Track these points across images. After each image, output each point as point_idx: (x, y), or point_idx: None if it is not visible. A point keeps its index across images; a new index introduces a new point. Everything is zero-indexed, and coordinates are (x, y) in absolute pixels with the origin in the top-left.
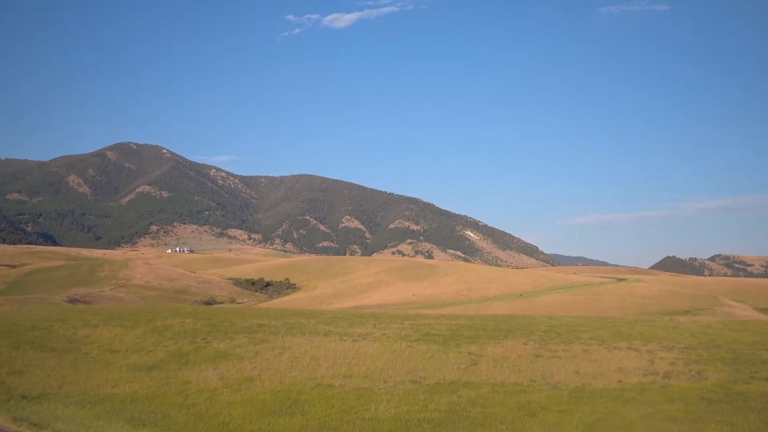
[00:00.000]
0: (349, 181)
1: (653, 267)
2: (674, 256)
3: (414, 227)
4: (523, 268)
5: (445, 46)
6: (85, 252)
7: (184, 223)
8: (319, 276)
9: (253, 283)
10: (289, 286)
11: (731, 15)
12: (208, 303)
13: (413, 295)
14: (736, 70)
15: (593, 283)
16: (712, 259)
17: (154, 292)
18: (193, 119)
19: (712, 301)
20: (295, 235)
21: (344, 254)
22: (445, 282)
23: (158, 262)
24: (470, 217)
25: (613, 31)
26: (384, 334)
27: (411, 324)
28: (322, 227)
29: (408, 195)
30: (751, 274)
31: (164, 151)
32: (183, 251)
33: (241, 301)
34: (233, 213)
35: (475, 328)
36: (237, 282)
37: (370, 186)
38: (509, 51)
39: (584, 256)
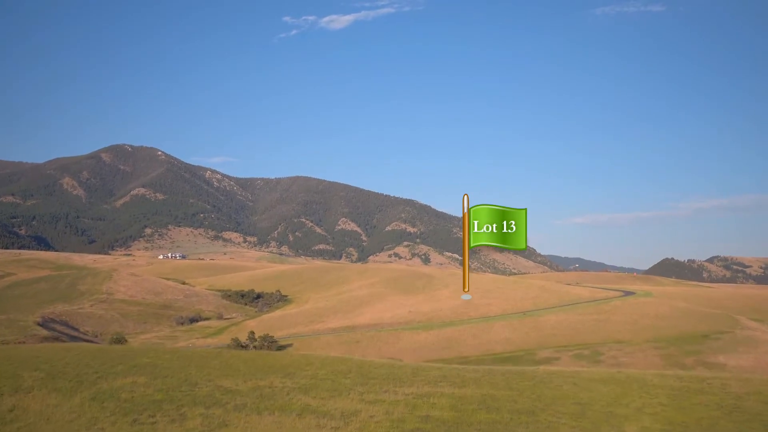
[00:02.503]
0: (345, 183)
1: (651, 269)
2: (672, 258)
3: (411, 229)
4: (521, 273)
5: (442, 47)
6: (75, 258)
7: (179, 226)
8: (312, 287)
9: (242, 296)
10: (280, 299)
11: (727, 15)
12: (193, 320)
13: (410, 312)
14: (732, 70)
15: (600, 299)
16: (710, 260)
17: (137, 307)
18: (189, 121)
19: (730, 323)
20: (291, 238)
21: (340, 257)
22: (443, 295)
23: (146, 271)
24: None
25: (608, 31)
26: (371, 417)
27: (406, 396)
28: (318, 230)
29: (404, 197)
30: (750, 276)
31: (159, 153)
32: (175, 257)
33: (228, 316)
34: (229, 215)
35: (486, 406)
36: (226, 294)
37: (366, 188)
38: (505, 51)
39: (581, 257)
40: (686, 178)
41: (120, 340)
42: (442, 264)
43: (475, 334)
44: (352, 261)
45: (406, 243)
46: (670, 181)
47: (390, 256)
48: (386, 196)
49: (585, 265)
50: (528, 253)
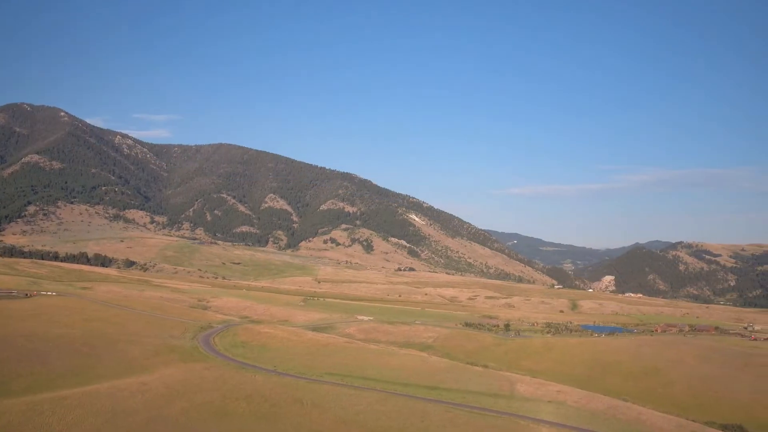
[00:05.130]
0: (274, 152)
1: (622, 258)
2: (639, 243)
3: (349, 209)
4: (477, 263)
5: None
6: None
7: (72, 203)
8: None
9: None
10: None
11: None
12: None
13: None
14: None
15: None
16: (674, 246)
17: None
18: (94, 79)
19: None
20: (209, 218)
21: (267, 242)
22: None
23: None
24: (413, 197)
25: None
26: None
27: None
28: (242, 208)
29: (342, 170)
30: (722, 267)
31: (62, 113)
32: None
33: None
34: (137, 189)
35: None
36: None
37: (298, 159)
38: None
39: (518, 233)
40: (634, 149)
41: None
42: (387, 253)
43: None
44: (280, 248)
45: (344, 226)
46: (616, 152)
47: (325, 241)
48: (321, 168)
49: (523, 241)
50: (483, 239)
